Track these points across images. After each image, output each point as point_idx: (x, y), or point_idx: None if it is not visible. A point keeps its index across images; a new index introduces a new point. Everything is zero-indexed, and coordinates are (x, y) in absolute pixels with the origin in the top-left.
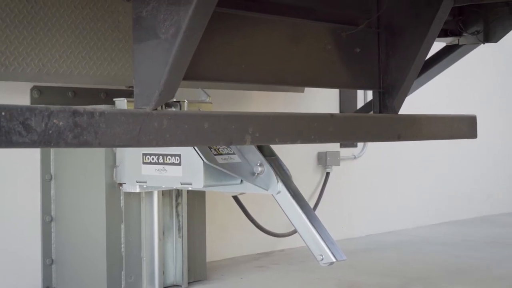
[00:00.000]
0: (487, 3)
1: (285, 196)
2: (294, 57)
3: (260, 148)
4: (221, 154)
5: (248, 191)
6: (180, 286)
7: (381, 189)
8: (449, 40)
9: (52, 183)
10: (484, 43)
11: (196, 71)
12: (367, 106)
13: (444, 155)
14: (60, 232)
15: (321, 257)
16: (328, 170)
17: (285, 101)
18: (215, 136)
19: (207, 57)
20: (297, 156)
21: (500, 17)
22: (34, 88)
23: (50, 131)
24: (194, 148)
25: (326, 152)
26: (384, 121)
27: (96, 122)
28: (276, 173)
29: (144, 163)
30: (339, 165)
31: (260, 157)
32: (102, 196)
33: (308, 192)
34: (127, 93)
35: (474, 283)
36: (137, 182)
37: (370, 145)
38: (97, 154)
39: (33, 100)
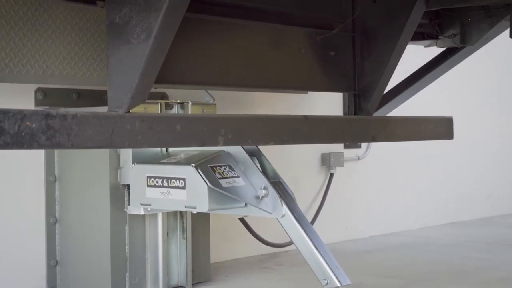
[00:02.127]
0: (461, 7)
1: (289, 220)
2: (268, 61)
3: (264, 172)
4: (226, 178)
5: (252, 214)
6: (184, 287)
7: (385, 190)
8: (426, 43)
9: (56, 184)
10: (459, 46)
11: (169, 75)
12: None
13: (448, 156)
14: (65, 234)
15: (326, 281)
16: (332, 171)
17: (289, 103)
18: (187, 138)
19: (180, 62)
20: (301, 157)
21: (476, 20)
22: (38, 90)
23: (23, 133)
24: (199, 172)
25: (330, 153)
26: (358, 123)
27: (68, 124)
28: (280, 197)
29: (148, 185)
30: (343, 166)
31: (264, 180)
32: (106, 198)
33: (312, 193)
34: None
35: (479, 285)
36: (141, 204)
37: (374, 146)
38: (102, 156)
39: (37, 101)
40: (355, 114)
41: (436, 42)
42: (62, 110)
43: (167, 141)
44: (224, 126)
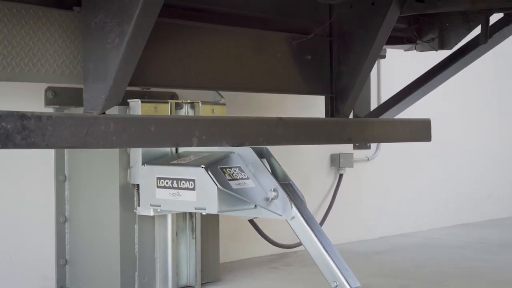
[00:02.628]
0: (440, 12)
1: (299, 222)
2: (245, 65)
3: (274, 173)
4: (235, 179)
5: (262, 216)
6: (193, 287)
7: (394, 190)
8: (406, 47)
9: (66, 184)
10: (437, 51)
11: (143, 77)
12: (381, 108)
13: (459, 157)
14: (74, 233)
15: (335, 283)
16: (341, 172)
17: (299, 105)
18: (161, 139)
19: (155, 65)
20: (310, 158)
21: (454, 25)
22: (48, 89)
23: None
24: (208, 173)
25: (339, 154)
26: (334, 125)
27: (43, 125)
28: (290, 199)
29: (158, 186)
30: (352, 167)
31: (274, 182)
32: (116, 197)
33: (321, 194)
34: (141, 94)
35: (489, 286)
36: (151, 205)
37: (384, 147)
38: (111, 155)
39: (47, 100)
40: (331, 116)
41: (415, 46)
42: (38, 111)
43: (141, 141)
44: (198, 127)
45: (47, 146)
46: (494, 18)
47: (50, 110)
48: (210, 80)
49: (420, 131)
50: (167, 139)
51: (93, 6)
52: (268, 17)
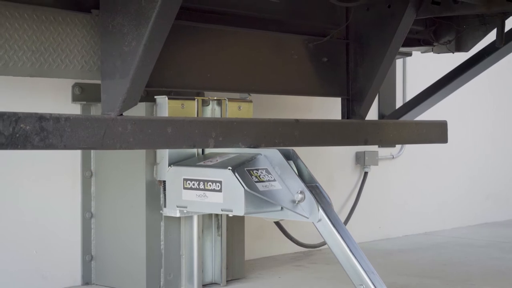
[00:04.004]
0: (457, 15)
1: (325, 224)
2: (261, 67)
3: (301, 175)
4: (262, 181)
5: (288, 218)
6: (219, 284)
7: (419, 189)
8: (423, 49)
9: (92, 179)
10: (454, 53)
11: (161, 79)
12: (404, 108)
13: (483, 156)
14: (100, 229)
15: (362, 287)
16: (366, 169)
17: (326, 106)
18: (178, 140)
19: (172, 67)
20: (335, 156)
21: (471, 28)
22: (75, 85)
23: (17, 135)
24: (235, 175)
25: (364, 152)
26: (350, 127)
27: (61, 126)
28: (317, 201)
29: (184, 188)
30: (377, 165)
31: (300, 184)
32: (142, 193)
33: (346, 192)
34: (168, 92)
35: None
36: (177, 207)
37: (409, 145)
38: (138, 151)
39: (74, 96)
40: (348, 118)
41: (432, 48)
42: (56, 113)
43: (158, 143)
44: (214, 129)
45: (65, 147)
46: None
47: (77, 106)
48: (227, 82)
49: (436, 133)
50: (183, 140)
51: (110, 9)
52: (285, 19)
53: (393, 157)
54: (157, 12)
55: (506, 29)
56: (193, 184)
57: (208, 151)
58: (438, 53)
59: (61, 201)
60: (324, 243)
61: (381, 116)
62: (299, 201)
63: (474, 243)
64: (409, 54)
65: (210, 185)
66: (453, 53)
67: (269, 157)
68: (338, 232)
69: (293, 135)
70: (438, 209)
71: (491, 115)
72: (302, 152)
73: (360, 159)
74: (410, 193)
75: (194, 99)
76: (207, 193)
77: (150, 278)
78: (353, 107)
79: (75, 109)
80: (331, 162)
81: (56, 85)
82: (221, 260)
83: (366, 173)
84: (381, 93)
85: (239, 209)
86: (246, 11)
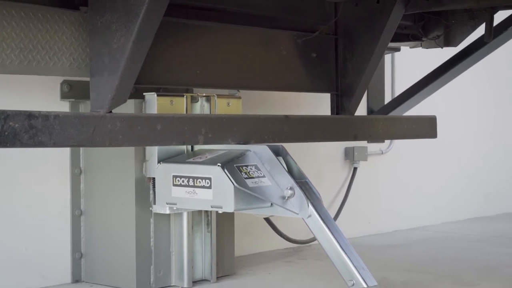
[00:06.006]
0: (445, 10)
1: (315, 220)
2: (250, 63)
3: (290, 171)
4: (252, 178)
5: (278, 214)
6: (209, 280)
7: (408, 184)
8: (412, 44)
9: (81, 177)
10: (442, 48)
11: (150, 76)
12: (393, 103)
13: (473, 151)
14: (90, 226)
15: (352, 282)
16: (355, 165)
17: (314, 102)
18: (168, 137)
19: (161, 64)
20: (325, 152)
21: (459, 23)
22: (64, 83)
23: (6, 133)
24: (225, 172)
25: (353, 148)
26: (340, 122)
27: (51, 124)
28: (307, 197)
29: (174, 185)
30: (366, 160)
31: (290, 180)
32: (132, 191)
33: (335, 187)
34: (157, 88)
35: (505, 281)
36: (167, 203)
37: (398, 140)
38: (127, 149)
39: (63, 94)
40: (337, 113)
41: (421, 44)
42: (45, 111)
43: (147, 140)
44: (204, 125)
45: (54, 145)
46: (501, 16)
47: (66, 103)
48: (216, 78)
49: (425, 128)
50: (173, 137)
51: (99, 6)
52: (274, 15)
53: (382, 153)
54: (146, 8)
55: (495, 23)
56: (183, 181)
57: (197, 147)
58: (427, 48)
59: (50, 198)
60: (314, 239)
61: (370, 111)
62: (288, 197)
63: (465, 237)
64: (398, 49)
65: (199, 181)
66: (441, 48)
67: (259, 153)
68: (328, 228)
69: (283, 131)
70: (428, 204)
71: (484, 109)
72: (292, 148)
73: (349, 154)
74: (400, 188)
75: (183, 96)
76: (197, 189)
77: (140, 275)
78: (342, 103)
79: (63, 107)
80: (320, 158)
81: (45, 82)
82: (211, 256)
83: (355, 169)
84: (370, 89)
85: (228, 206)
86: (235, 7)
